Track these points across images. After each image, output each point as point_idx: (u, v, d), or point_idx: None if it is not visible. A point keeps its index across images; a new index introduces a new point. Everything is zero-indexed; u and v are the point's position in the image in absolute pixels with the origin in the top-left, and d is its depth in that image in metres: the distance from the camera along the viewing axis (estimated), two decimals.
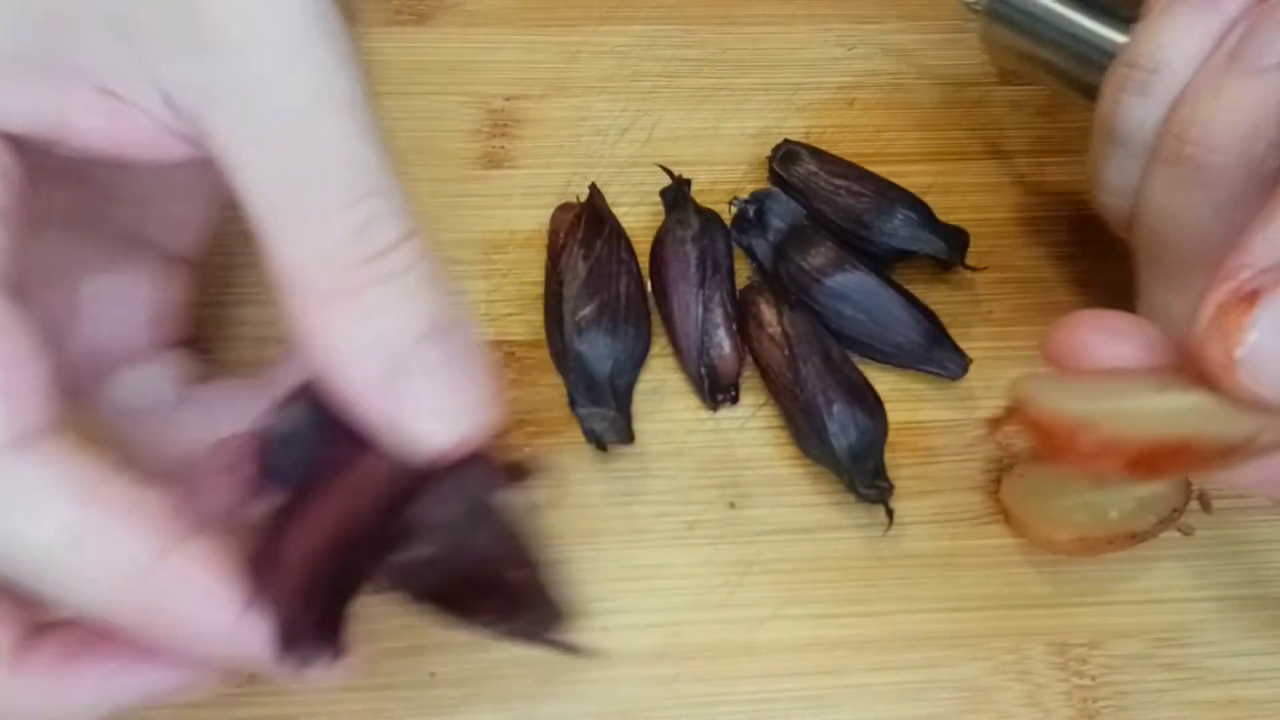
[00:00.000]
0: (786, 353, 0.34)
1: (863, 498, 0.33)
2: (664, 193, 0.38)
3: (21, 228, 0.20)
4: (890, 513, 0.33)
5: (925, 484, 0.35)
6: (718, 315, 0.36)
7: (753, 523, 0.34)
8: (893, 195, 0.38)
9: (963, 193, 0.40)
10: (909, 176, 0.39)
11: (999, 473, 0.35)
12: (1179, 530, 0.34)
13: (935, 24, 0.44)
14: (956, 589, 0.33)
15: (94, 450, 0.19)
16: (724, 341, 0.36)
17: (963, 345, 0.36)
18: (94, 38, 0.19)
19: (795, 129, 0.41)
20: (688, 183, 0.38)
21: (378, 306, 0.19)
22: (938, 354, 0.36)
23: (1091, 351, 0.23)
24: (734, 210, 0.38)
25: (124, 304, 0.23)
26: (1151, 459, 0.23)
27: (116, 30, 0.19)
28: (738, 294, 0.37)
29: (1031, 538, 0.33)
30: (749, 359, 0.36)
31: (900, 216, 0.37)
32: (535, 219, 0.39)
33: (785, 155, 0.39)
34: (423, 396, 0.19)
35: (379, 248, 0.19)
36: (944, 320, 0.36)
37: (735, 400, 0.36)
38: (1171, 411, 0.23)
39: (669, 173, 0.38)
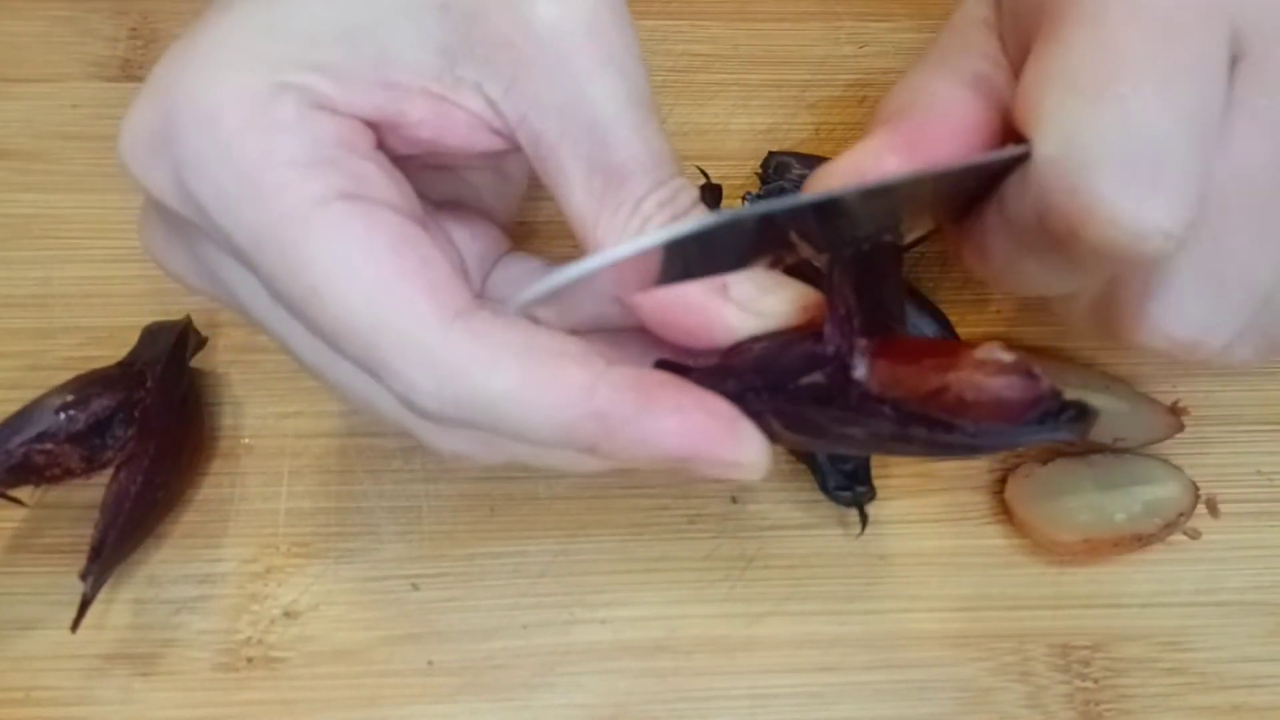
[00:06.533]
0: None
1: (833, 498, 0.33)
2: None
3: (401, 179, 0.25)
4: (865, 517, 0.33)
5: (929, 482, 0.35)
6: None
7: (754, 518, 0.34)
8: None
9: None
10: None
11: (1004, 472, 0.35)
12: (1185, 534, 0.34)
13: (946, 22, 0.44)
14: (958, 588, 0.33)
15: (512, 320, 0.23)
16: None
17: None
18: (422, 58, 0.24)
19: (805, 126, 0.41)
20: (718, 189, 0.38)
21: None
22: None
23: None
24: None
25: (466, 250, 0.28)
26: None
27: (443, 54, 0.24)
28: None
29: (1036, 539, 0.33)
30: None
31: None
32: (544, 212, 0.39)
33: (777, 167, 0.38)
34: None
35: (683, 207, 0.25)
36: (951, 319, 0.36)
37: None
38: None
39: (705, 175, 0.38)
